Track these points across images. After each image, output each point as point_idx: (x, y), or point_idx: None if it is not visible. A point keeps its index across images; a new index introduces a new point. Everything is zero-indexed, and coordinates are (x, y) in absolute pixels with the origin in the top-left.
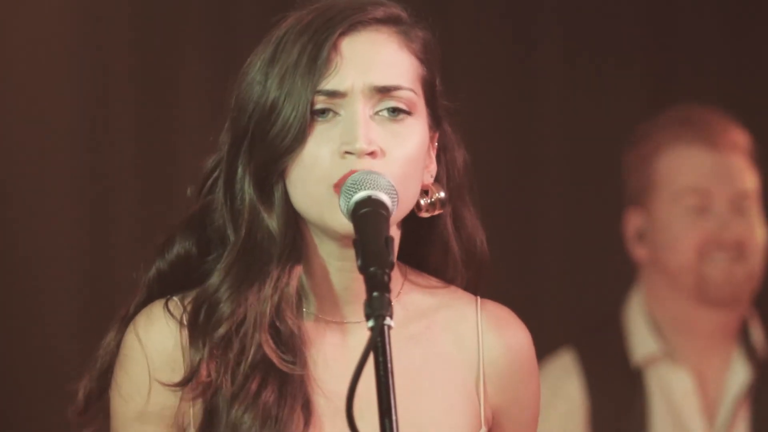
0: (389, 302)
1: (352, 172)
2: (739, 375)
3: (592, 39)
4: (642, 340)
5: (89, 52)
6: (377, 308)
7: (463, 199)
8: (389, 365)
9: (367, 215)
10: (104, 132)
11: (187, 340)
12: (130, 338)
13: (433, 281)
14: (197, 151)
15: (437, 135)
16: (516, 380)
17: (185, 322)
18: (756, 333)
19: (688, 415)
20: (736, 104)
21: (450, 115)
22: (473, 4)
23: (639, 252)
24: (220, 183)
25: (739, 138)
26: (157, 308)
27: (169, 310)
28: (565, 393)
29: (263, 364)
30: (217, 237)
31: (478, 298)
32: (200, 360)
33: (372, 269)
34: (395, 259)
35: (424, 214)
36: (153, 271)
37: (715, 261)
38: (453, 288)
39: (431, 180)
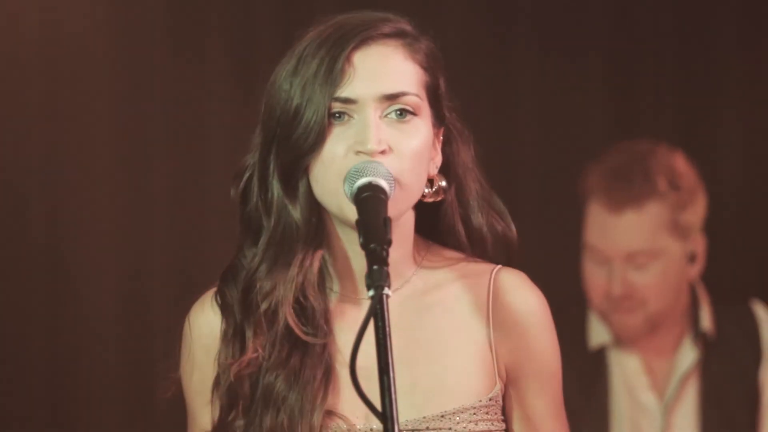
0: (387, 274)
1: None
2: (687, 357)
3: (564, 44)
4: (597, 329)
5: (125, 58)
6: (376, 279)
7: (469, 187)
8: (387, 329)
9: (368, 199)
10: (140, 139)
11: (223, 333)
12: (185, 324)
13: (455, 255)
14: (226, 154)
15: (442, 130)
16: (526, 339)
17: (230, 306)
18: (705, 320)
19: (639, 390)
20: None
21: (455, 112)
22: (457, 9)
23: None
24: (254, 179)
25: (648, 196)
26: (207, 298)
27: (217, 301)
28: None
29: (290, 336)
30: (255, 227)
31: (496, 266)
32: (248, 338)
33: (372, 246)
34: (392, 237)
35: (428, 200)
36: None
37: (612, 307)
38: (473, 260)
39: (436, 171)
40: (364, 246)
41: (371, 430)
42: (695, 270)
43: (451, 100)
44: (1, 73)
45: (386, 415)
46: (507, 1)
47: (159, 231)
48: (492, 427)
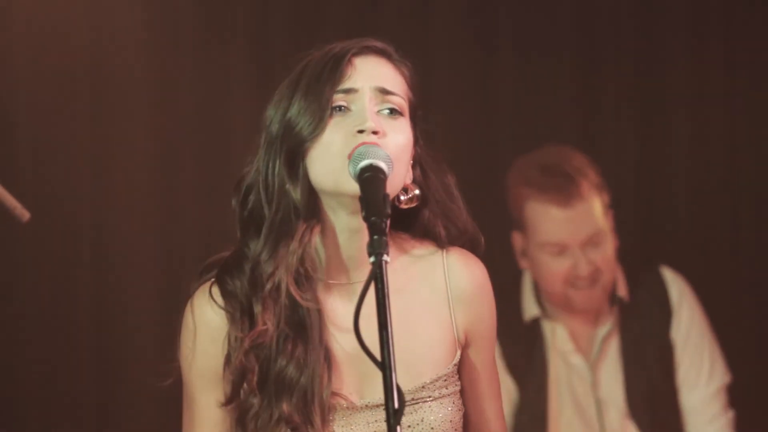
0: (386, 243)
1: (362, 143)
2: (606, 324)
3: (538, 52)
4: (529, 305)
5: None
6: (377, 247)
7: (443, 198)
8: (386, 290)
9: (370, 178)
10: (172, 140)
11: (230, 316)
12: (186, 313)
13: (409, 239)
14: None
15: (415, 150)
16: (477, 305)
17: (232, 293)
18: (621, 289)
19: (568, 354)
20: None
21: (428, 137)
22: (444, 23)
23: (523, 264)
24: (260, 180)
25: (584, 187)
26: (207, 288)
27: (211, 294)
28: None
29: (293, 323)
30: (257, 222)
31: (443, 247)
32: (258, 313)
33: (373, 218)
34: (390, 211)
35: (403, 206)
36: (214, 258)
37: (576, 287)
38: (424, 242)
39: (410, 181)
40: (366, 218)
41: (367, 405)
42: (616, 241)
43: (426, 124)
44: (50, 80)
45: (384, 365)
46: (488, 10)
47: (191, 223)
48: (456, 388)
